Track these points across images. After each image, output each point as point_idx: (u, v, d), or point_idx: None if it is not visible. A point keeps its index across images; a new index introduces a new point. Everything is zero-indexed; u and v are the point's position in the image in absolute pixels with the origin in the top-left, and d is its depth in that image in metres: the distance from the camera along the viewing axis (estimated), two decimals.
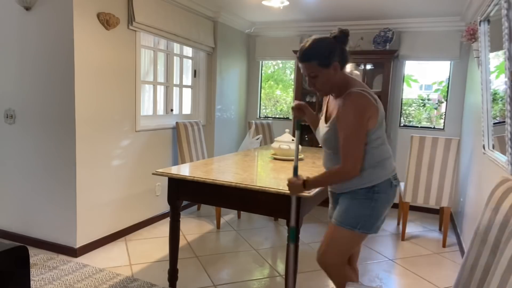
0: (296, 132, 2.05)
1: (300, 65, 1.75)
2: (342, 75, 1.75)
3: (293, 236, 1.95)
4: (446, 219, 3.57)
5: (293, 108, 2.02)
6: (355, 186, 1.77)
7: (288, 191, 1.88)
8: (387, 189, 1.78)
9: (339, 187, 1.86)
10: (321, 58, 1.68)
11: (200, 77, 4.61)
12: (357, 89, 1.68)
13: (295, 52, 4.82)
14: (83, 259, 2.93)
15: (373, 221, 1.77)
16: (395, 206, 4.68)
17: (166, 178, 2.39)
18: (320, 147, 5.35)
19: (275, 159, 3.05)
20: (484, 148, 2.77)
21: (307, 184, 1.78)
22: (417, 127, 4.83)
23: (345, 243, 1.82)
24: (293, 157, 3.09)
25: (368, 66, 4.73)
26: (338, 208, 1.83)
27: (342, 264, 1.85)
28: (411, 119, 5.05)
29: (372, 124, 1.69)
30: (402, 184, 3.97)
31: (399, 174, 5.22)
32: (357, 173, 1.67)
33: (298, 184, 1.80)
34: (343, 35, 1.72)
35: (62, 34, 2.81)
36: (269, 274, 2.90)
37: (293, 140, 3.09)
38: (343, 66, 1.74)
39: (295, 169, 1.94)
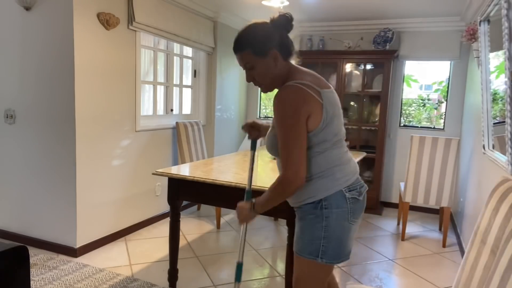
0: (251, 153, 1.78)
1: (236, 56, 1.50)
2: (286, 66, 1.47)
3: (239, 275, 1.70)
4: (446, 219, 3.57)
5: (245, 127, 1.78)
6: (299, 201, 1.49)
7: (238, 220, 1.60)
8: (341, 203, 1.44)
9: (289, 200, 1.58)
10: (255, 45, 1.43)
11: (200, 77, 4.61)
12: (293, 82, 1.39)
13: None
14: (83, 259, 2.93)
15: (334, 246, 1.44)
16: (395, 206, 4.69)
17: (166, 178, 2.39)
18: None
19: (275, 159, 3.05)
20: (484, 148, 2.77)
21: (255, 206, 1.51)
22: (417, 127, 4.83)
23: (312, 276, 1.51)
24: None
25: (368, 66, 4.73)
26: (295, 232, 1.56)
27: None
28: (411, 119, 5.05)
29: (314, 124, 1.38)
30: (402, 184, 3.97)
31: (399, 174, 5.22)
32: (301, 181, 1.36)
33: (245, 209, 1.53)
34: (282, 19, 1.46)
35: (62, 34, 2.81)
36: (269, 274, 2.90)
37: None
38: (286, 56, 1.47)
39: (248, 194, 1.69)
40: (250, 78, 1.50)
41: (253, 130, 1.78)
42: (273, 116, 1.45)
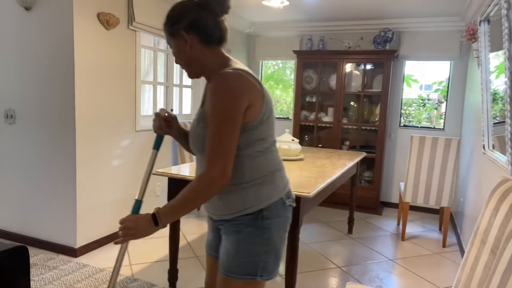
0: (153, 152, 1.45)
1: None
2: (213, 54, 1.29)
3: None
4: (446, 219, 3.57)
5: (158, 115, 1.45)
6: (234, 212, 1.27)
7: (122, 238, 1.24)
8: (281, 212, 1.29)
9: (213, 210, 1.34)
10: (168, 24, 1.30)
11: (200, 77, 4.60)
12: (231, 68, 1.23)
13: (295, 52, 4.83)
14: (83, 259, 2.93)
15: (274, 260, 1.28)
16: (395, 206, 4.69)
17: (166, 178, 2.39)
18: (321, 146, 5.28)
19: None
20: (484, 148, 2.77)
21: (160, 216, 1.18)
22: (417, 127, 4.83)
23: None
24: (293, 157, 3.09)
25: (368, 66, 4.73)
26: (224, 250, 1.31)
27: None
28: (411, 119, 5.05)
29: (254, 115, 1.20)
30: (402, 184, 3.97)
31: (399, 174, 5.23)
32: (227, 180, 1.16)
33: (143, 222, 1.19)
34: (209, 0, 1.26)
35: (62, 34, 2.81)
36: None
37: (293, 140, 3.08)
38: (205, 41, 1.27)
39: (137, 205, 1.37)
40: (175, 59, 1.35)
41: (167, 124, 1.46)
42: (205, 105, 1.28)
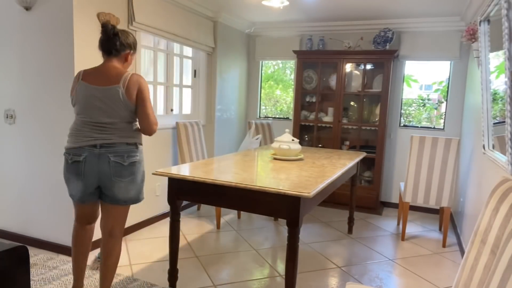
0: None
1: None
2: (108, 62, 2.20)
3: None
4: (446, 219, 3.57)
5: None
6: None
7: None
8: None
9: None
10: None
11: (200, 77, 4.61)
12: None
13: (295, 52, 4.83)
14: None
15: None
16: (395, 206, 4.69)
17: (166, 178, 2.39)
18: (321, 146, 5.29)
19: (275, 159, 3.05)
20: (484, 148, 2.77)
21: None
22: (417, 127, 4.83)
23: None
24: (293, 157, 3.09)
25: (368, 66, 4.73)
26: None
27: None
28: (411, 119, 5.05)
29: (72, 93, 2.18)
30: (402, 184, 3.97)
31: (399, 174, 5.23)
32: None
33: None
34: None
35: (62, 34, 2.81)
36: (269, 274, 2.91)
37: (293, 140, 3.08)
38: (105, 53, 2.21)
39: None
40: None
41: None
42: None
